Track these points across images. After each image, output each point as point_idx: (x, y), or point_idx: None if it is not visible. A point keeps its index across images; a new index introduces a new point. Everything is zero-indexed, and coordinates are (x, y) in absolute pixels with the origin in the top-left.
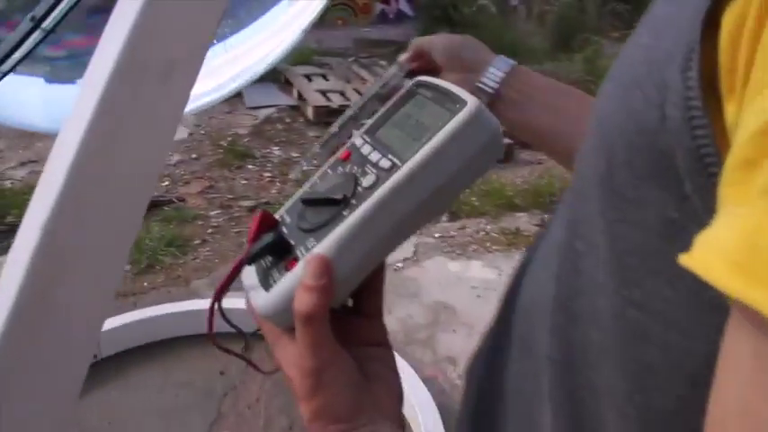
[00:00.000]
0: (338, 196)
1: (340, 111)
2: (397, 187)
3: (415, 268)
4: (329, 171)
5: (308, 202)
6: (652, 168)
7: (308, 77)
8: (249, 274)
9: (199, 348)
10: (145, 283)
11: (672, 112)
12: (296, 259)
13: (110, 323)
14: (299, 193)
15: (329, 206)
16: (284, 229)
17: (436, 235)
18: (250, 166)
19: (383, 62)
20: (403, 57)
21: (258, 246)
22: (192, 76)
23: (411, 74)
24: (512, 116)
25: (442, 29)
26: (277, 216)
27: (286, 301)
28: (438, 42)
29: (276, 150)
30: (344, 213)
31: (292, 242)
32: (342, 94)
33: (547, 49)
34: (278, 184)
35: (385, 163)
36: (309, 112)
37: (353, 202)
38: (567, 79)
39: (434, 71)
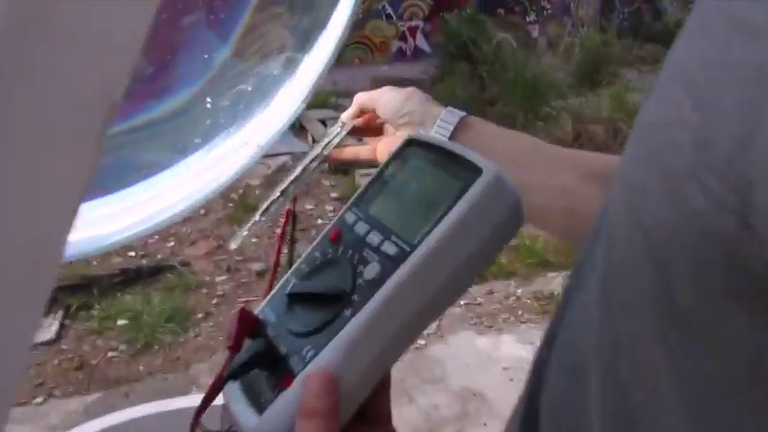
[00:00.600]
0: (336, 292)
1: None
2: (408, 279)
3: (440, 346)
4: (316, 254)
5: (298, 297)
6: (733, 288)
7: (324, 122)
8: (233, 392)
9: None
10: (141, 367)
11: (759, 220)
12: (291, 374)
13: (88, 428)
14: (282, 282)
15: (325, 304)
16: (270, 332)
17: (462, 303)
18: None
19: None
20: (345, 114)
21: (243, 358)
22: None
23: (355, 131)
24: None
25: (460, 65)
26: (258, 312)
27: (284, 426)
28: (382, 97)
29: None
30: (346, 314)
31: (283, 349)
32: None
33: (571, 83)
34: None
35: (389, 248)
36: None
37: (355, 298)
38: (594, 116)
39: (378, 128)
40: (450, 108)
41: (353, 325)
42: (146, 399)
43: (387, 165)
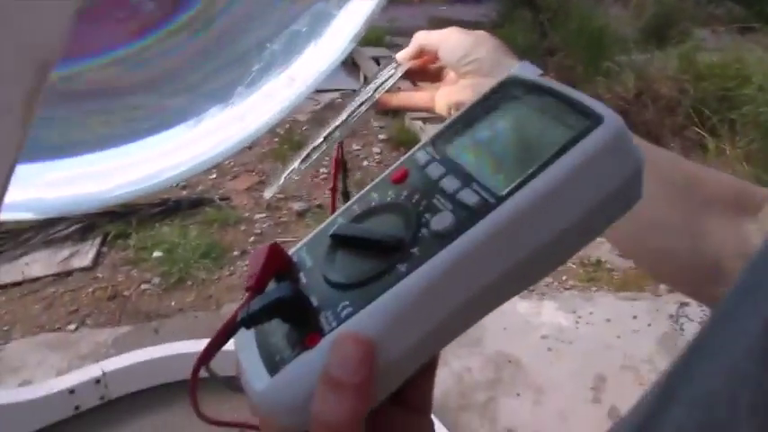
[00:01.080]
0: (391, 240)
1: None
2: (488, 239)
3: None
4: (373, 195)
5: (343, 240)
6: None
7: (377, 60)
8: (245, 342)
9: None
10: (172, 302)
11: None
12: (319, 332)
13: (117, 362)
14: (327, 223)
15: (376, 253)
16: (303, 277)
17: None
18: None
19: None
20: (402, 53)
21: (262, 302)
22: None
23: (410, 74)
24: None
25: (522, 12)
26: (291, 253)
27: (300, 394)
28: (448, 38)
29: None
30: (401, 269)
31: (314, 301)
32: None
33: (638, 39)
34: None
35: (469, 196)
36: None
37: (415, 251)
38: (659, 75)
39: (437, 73)
40: (526, 61)
41: (407, 285)
42: (175, 336)
43: (476, 104)
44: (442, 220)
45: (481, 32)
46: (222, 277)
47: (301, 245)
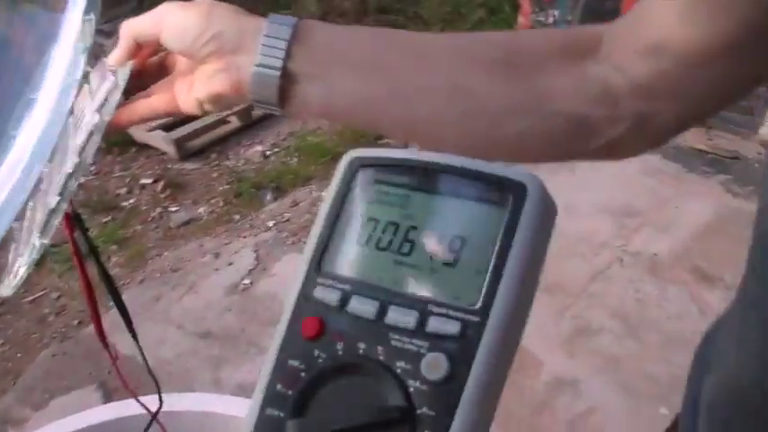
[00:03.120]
0: (396, 413)
1: None
2: (496, 356)
3: (267, 280)
4: (294, 362)
5: None
6: None
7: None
8: None
9: None
10: None
11: None
12: None
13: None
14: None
15: None
16: None
17: (270, 224)
18: None
19: None
20: (114, 56)
21: None
22: None
23: (136, 78)
24: (317, 99)
25: None
26: None
27: None
28: (166, 22)
29: None
30: None
31: None
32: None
33: None
34: None
35: (444, 325)
36: None
37: (427, 412)
38: None
39: (164, 65)
40: (273, 17)
41: None
42: None
43: (336, 201)
44: (434, 366)
45: (204, 1)
46: None
47: None
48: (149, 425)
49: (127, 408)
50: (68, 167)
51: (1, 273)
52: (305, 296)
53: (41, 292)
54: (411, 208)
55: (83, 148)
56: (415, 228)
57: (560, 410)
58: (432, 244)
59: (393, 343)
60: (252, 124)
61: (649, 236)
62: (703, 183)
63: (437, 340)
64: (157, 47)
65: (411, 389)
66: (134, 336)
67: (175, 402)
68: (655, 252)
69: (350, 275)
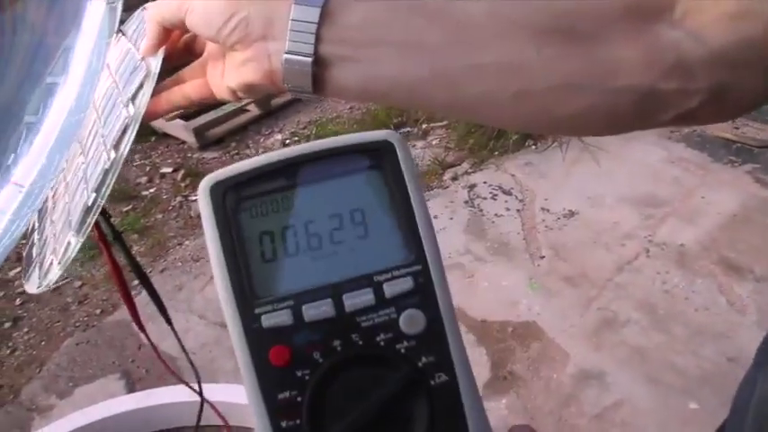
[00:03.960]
0: (404, 378)
1: None
2: (447, 287)
3: None
4: (285, 392)
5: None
6: None
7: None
8: None
9: None
10: None
11: None
12: None
13: None
14: None
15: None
16: None
17: None
18: None
19: None
20: (146, 45)
21: None
22: None
23: (166, 61)
24: (354, 83)
25: None
26: None
27: None
28: (190, 4)
29: None
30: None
31: None
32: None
33: None
34: None
35: (404, 284)
36: None
37: (426, 359)
38: None
39: (191, 47)
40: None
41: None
42: None
43: (222, 240)
44: (412, 322)
45: None
46: (3, 359)
47: None
48: (200, 412)
49: (149, 398)
50: (105, 163)
51: (29, 268)
52: (253, 332)
53: (64, 281)
54: (296, 206)
55: (118, 142)
56: (312, 221)
57: (587, 403)
58: (335, 227)
59: (364, 324)
60: (271, 113)
61: (675, 226)
62: (730, 172)
63: (400, 300)
64: (185, 30)
65: (403, 350)
66: (168, 320)
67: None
68: (681, 243)
69: (283, 292)
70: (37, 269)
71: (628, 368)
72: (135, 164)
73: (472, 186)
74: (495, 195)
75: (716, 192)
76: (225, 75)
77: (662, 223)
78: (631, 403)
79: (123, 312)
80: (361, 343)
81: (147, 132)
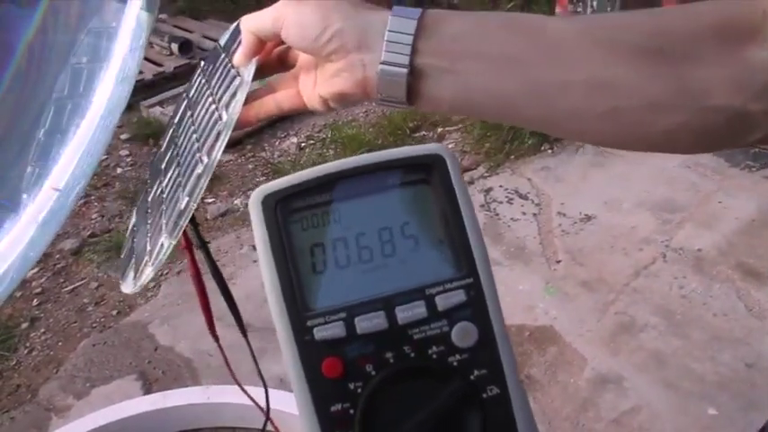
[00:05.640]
0: (456, 392)
1: None
2: (497, 300)
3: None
4: (348, 409)
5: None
6: None
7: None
8: None
9: None
10: None
11: None
12: None
13: None
14: None
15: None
16: None
17: None
18: None
19: None
20: (240, 55)
21: None
22: None
23: (258, 72)
24: (448, 94)
25: None
26: None
27: None
28: (286, 17)
29: None
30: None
31: None
32: None
33: None
34: (95, 204)
35: (456, 297)
36: None
37: (478, 372)
38: None
39: (284, 59)
40: (397, 9)
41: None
42: None
43: (274, 252)
44: (465, 334)
45: None
46: (22, 359)
47: None
48: (265, 422)
49: (166, 399)
50: (198, 168)
51: (125, 270)
52: (306, 344)
53: (80, 282)
54: (347, 218)
55: (212, 148)
56: (362, 234)
57: (605, 408)
58: (386, 240)
59: (416, 337)
60: (287, 116)
61: (692, 231)
62: (747, 177)
63: (452, 313)
64: (279, 41)
65: (455, 363)
66: (243, 332)
67: (216, 394)
68: (699, 248)
69: (335, 304)
70: (132, 271)
71: (645, 373)
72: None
73: (488, 190)
74: (512, 199)
75: (733, 197)
76: (317, 85)
77: (679, 228)
78: (649, 408)
79: (139, 314)
80: (413, 355)
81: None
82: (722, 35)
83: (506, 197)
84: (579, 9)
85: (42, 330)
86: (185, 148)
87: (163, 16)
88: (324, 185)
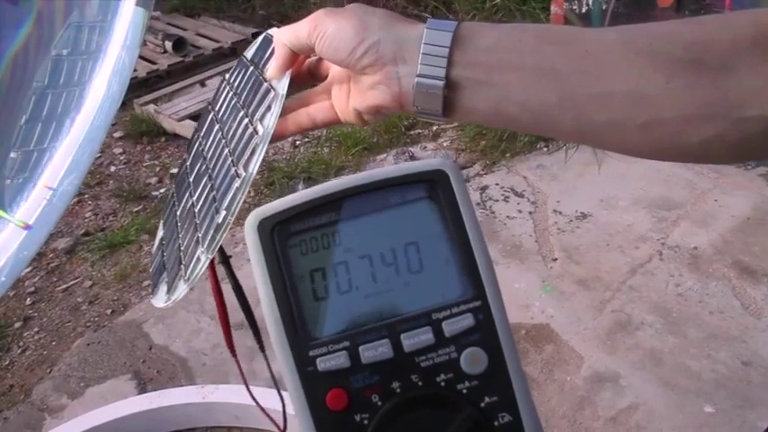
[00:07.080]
0: (466, 420)
1: None
2: (507, 322)
3: None
4: None
5: None
6: None
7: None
8: None
9: None
10: None
11: None
12: None
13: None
14: None
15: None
16: None
17: None
18: None
19: None
20: (273, 68)
21: None
22: None
23: (290, 85)
24: (484, 106)
25: None
26: None
27: None
28: (322, 31)
29: None
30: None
31: None
32: None
33: None
34: (89, 202)
35: (464, 322)
36: None
37: (489, 399)
38: None
39: (315, 70)
40: (432, 22)
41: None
42: None
43: (272, 279)
44: (474, 361)
45: (359, 7)
46: (15, 359)
47: None
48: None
49: (161, 398)
50: (236, 183)
51: (156, 285)
52: (309, 375)
53: (74, 281)
54: (347, 240)
55: (248, 162)
56: (364, 256)
57: (602, 406)
58: (389, 262)
59: (423, 365)
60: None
61: (688, 229)
62: (743, 175)
63: (460, 338)
64: (311, 54)
65: (465, 390)
66: (262, 348)
67: (210, 393)
68: (695, 246)
69: (338, 332)
70: (164, 285)
71: (642, 371)
72: (145, 164)
73: (484, 188)
74: (507, 197)
75: (729, 195)
76: (351, 98)
77: (675, 226)
78: (646, 406)
79: (134, 313)
80: (420, 384)
81: (156, 132)
82: (760, 46)
83: (502, 195)
84: (575, 7)
85: (36, 330)
86: (216, 161)
87: (156, 14)
88: (322, 206)
